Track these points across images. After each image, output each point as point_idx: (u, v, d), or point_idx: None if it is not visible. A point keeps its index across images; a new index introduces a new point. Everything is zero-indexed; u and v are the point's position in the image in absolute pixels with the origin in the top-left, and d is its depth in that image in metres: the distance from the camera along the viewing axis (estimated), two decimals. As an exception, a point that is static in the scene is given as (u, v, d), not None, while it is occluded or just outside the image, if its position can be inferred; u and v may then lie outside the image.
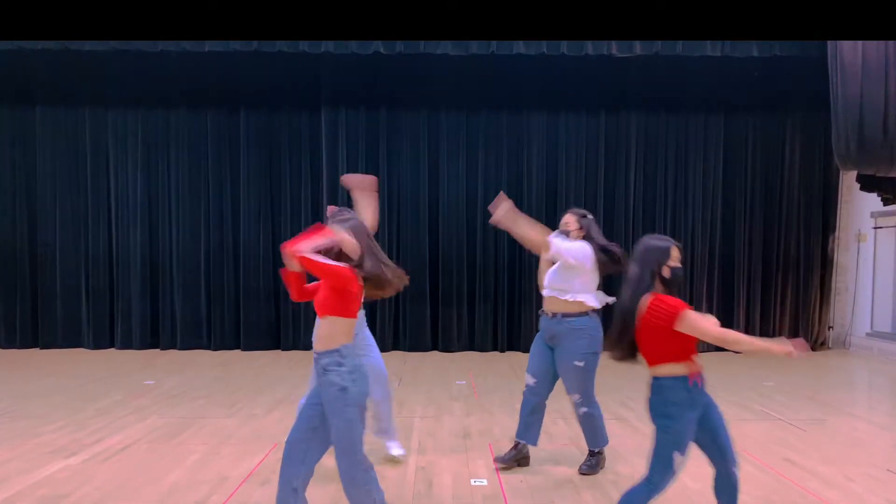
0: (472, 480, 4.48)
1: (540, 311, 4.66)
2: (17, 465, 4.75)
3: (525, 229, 4.33)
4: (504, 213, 4.25)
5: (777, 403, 6.74)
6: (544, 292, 4.57)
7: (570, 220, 4.55)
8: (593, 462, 4.66)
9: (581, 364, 4.42)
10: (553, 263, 4.52)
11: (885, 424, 6.14)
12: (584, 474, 4.59)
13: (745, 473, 4.01)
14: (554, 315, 4.47)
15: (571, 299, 4.42)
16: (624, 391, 7.01)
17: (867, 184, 9.34)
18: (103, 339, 10.18)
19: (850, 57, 8.20)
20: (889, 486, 4.45)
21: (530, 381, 4.60)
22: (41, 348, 10.10)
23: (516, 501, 4.13)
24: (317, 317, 3.30)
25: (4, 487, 4.30)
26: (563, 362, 4.47)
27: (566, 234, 4.49)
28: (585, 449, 4.80)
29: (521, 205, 10.07)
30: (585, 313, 4.45)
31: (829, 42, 8.38)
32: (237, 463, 4.81)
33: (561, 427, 5.80)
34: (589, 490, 4.31)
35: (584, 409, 4.55)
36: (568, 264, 4.36)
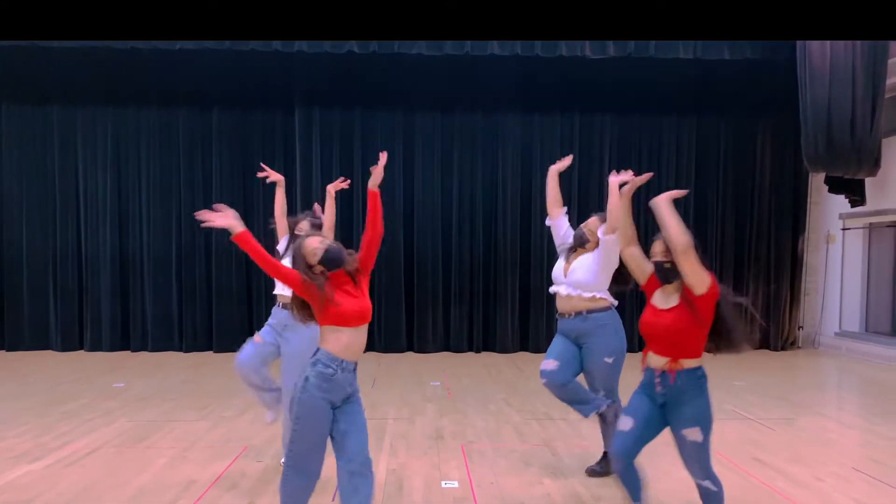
0: (442, 483, 4.46)
1: (558, 315, 4.46)
2: (-22, 470, 4.64)
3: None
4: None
5: (747, 403, 6.80)
6: (562, 290, 4.40)
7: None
8: (606, 463, 4.54)
9: (610, 361, 4.35)
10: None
11: (853, 423, 6.22)
12: (593, 475, 4.52)
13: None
14: (578, 313, 4.35)
15: (599, 296, 4.34)
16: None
17: (835, 186, 9.48)
18: (72, 340, 10.01)
19: (819, 59, 8.32)
20: (856, 485, 4.51)
21: (552, 365, 4.35)
22: (7, 350, 9.89)
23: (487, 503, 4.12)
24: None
25: (-36, 494, 4.20)
26: (593, 359, 4.36)
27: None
28: (557, 450, 4.79)
29: (495, 204, 10.29)
30: (609, 308, 4.40)
31: (797, 44, 8.48)
32: (206, 466, 4.74)
33: (534, 428, 5.80)
34: (559, 492, 4.31)
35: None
36: (610, 262, 4.29)
